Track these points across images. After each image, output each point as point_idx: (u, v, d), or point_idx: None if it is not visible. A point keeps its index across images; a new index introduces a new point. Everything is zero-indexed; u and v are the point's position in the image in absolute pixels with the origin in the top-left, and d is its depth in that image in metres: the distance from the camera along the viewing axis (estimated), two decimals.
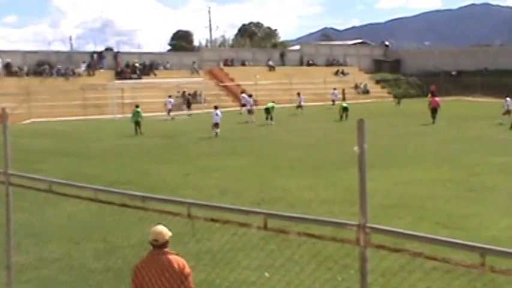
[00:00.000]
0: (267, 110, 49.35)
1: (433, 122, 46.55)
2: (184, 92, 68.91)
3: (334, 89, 73.25)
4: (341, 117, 50.62)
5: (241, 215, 6.42)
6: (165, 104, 59.23)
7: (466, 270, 5.01)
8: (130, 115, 54.72)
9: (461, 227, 14.72)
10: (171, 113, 57.91)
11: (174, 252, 7.42)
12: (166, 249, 7.33)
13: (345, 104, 52.91)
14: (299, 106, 59.78)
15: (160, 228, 7.37)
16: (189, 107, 62.46)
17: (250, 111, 52.41)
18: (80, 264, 12.44)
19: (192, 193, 19.29)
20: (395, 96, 74.49)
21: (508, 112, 45.37)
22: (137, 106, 44.90)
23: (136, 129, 42.91)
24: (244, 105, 59.22)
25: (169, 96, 59.73)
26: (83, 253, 13.13)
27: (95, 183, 11.82)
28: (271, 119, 48.94)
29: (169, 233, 7.36)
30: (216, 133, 40.70)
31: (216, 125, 41.34)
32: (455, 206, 17.53)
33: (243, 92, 57.97)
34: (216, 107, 43.43)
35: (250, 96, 57.63)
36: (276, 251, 10.82)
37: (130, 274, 7.57)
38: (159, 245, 7.30)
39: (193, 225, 7.16)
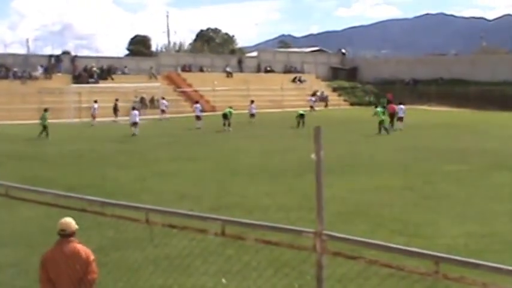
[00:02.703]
0: (225, 116, 49.24)
1: (392, 126, 47.66)
2: (142, 98, 68.69)
3: (312, 95, 73.91)
4: (298, 124, 50.64)
5: (200, 221, 6.49)
6: (91, 109, 57.61)
7: (421, 277, 5.11)
8: (88, 119, 54.74)
9: (417, 235, 14.89)
10: (95, 119, 56.60)
11: (79, 242, 7.87)
12: (72, 239, 7.79)
13: (301, 111, 52.73)
14: (252, 115, 57.43)
15: (67, 219, 7.85)
16: (115, 113, 61.08)
17: (198, 117, 51.96)
18: (37, 269, 12.32)
19: (150, 198, 19.26)
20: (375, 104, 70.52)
21: (400, 118, 48.21)
22: (45, 110, 45.10)
23: (41, 132, 42.84)
24: (164, 110, 63.15)
25: (95, 102, 58.34)
26: (39, 258, 13.02)
27: (52, 187, 11.78)
28: (229, 125, 48.75)
29: (76, 226, 7.91)
30: (134, 133, 44.52)
31: (134, 124, 45.40)
32: (411, 213, 17.72)
33: (197, 102, 57.31)
34: (133, 108, 47.74)
35: (197, 102, 57.18)
36: (233, 257, 10.87)
37: (39, 265, 8.00)
38: (66, 235, 7.78)
39: (151, 230, 7.22)
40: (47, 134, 42.62)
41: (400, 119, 48.53)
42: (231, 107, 51.08)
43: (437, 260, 4.77)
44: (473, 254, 11.52)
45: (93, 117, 56.65)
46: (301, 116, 51.15)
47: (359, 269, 7.87)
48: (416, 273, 4.96)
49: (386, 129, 43.94)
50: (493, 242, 14.30)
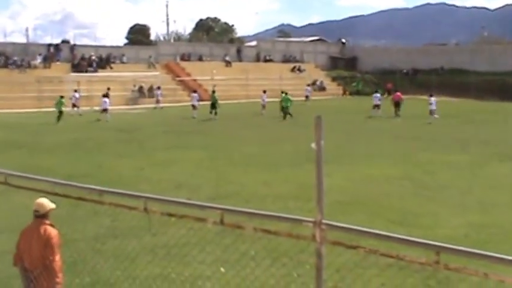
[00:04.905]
0: (213, 105, 49.69)
1: (397, 115, 49.16)
2: (141, 87, 68.58)
3: (308, 85, 74.27)
4: (284, 116, 48.50)
5: (198, 209, 6.41)
6: (70, 98, 55.58)
7: (420, 268, 5.06)
8: (86, 108, 54.76)
9: (416, 225, 14.84)
10: (76, 108, 55.15)
11: (50, 223, 8.15)
12: (44, 220, 8.09)
13: (288, 102, 49.48)
14: (263, 105, 54.73)
15: (42, 200, 8.12)
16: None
17: (194, 107, 51.54)
18: None
19: (147, 187, 19.19)
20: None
21: (377, 106, 51.78)
22: (62, 97, 47.87)
23: (58, 117, 45.45)
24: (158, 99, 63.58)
25: (75, 91, 57.14)
26: None
27: (50, 176, 11.71)
28: (216, 114, 48.98)
29: (51, 206, 8.18)
30: (106, 119, 47.15)
31: (104, 110, 49.06)
32: (410, 203, 17.68)
33: (195, 91, 56.96)
34: (104, 95, 51.01)
35: (195, 91, 56.85)
36: (231, 246, 10.80)
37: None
38: (40, 215, 8.10)
39: (150, 219, 7.16)
40: (59, 120, 44.95)
41: (377, 106, 51.47)
42: (214, 92, 52.01)
43: (439, 250, 4.69)
44: (473, 244, 11.46)
45: (75, 106, 55.12)
46: (285, 108, 48.93)
47: (357, 259, 7.80)
48: (416, 263, 4.89)
49: (290, 114, 47.75)
50: (493, 232, 14.26)
